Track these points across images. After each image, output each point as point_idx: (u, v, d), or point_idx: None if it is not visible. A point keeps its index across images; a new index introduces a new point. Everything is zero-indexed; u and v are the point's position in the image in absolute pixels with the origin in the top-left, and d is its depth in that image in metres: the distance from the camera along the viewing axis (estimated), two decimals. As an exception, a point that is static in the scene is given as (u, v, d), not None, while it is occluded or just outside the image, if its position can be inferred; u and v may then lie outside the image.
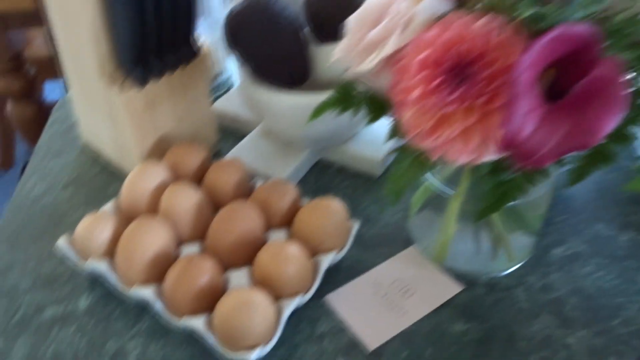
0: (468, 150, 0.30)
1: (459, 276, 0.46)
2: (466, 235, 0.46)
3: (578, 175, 0.32)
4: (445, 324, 0.43)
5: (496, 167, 0.34)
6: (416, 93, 0.30)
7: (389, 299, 0.45)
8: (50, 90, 1.85)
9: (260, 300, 0.39)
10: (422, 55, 0.30)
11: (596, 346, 0.41)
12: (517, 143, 0.28)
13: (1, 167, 1.62)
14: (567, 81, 0.30)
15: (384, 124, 0.40)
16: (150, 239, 0.43)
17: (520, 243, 0.47)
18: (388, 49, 0.31)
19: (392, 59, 0.31)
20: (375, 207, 0.53)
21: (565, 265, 0.47)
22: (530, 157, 0.28)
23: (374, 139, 0.57)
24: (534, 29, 0.29)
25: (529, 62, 0.27)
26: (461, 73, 0.30)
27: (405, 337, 0.42)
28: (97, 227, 0.45)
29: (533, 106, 0.28)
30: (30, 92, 1.37)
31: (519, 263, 0.47)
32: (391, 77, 0.32)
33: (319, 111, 0.39)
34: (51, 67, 1.42)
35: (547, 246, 0.49)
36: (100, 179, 0.57)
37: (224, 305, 0.39)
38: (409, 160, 0.35)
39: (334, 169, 0.58)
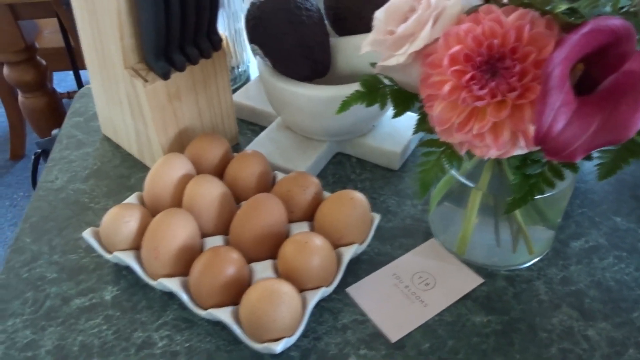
0: (498, 144, 0.30)
1: (479, 269, 0.47)
2: (486, 228, 0.46)
3: (608, 170, 0.33)
4: (466, 316, 0.43)
5: (524, 161, 0.34)
6: (447, 87, 0.30)
7: (410, 291, 0.45)
8: (58, 81, 1.86)
9: (287, 291, 0.40)
10: (453, 50, 0.30)
11: (616, 338, 0.42)
12: (549, 138, 0.28)
13: (12, 158, 1.63)
14: (597, 75, 0.30)
15: (403, 117, 0.40)
16: (176, 231, 0.43)
17: (540, 236, 0.47)
18: (419, 43, 0.31)
19: (423, 53, 0.32)
20: (394, 199, 0.53)
21: (584, 258, 0.48)
22: (562, 151, 0.28)
23: (392, 132, 0.57)
24: (567, 22, 0.29)
25: (563, 56, 0.27)
26: (493, 67, 0.30)
27: (426, 329, 0.43)
28: (122, 218, 0.45)
29: (565, 101, 0.28)
30: (41, 83, 1.37)
31: (539, 256, 0.47)
32: (421, 71, 0.32)
33: (345, 104, 0.39)
34: (60, 58, 1.42)
35: (566, 239, 0.49)
36: (121, 170, 0.58)
37: (251, 296, 0.40)
38: (437, 154, 0.35)
39: (352, 162, 0.58)
